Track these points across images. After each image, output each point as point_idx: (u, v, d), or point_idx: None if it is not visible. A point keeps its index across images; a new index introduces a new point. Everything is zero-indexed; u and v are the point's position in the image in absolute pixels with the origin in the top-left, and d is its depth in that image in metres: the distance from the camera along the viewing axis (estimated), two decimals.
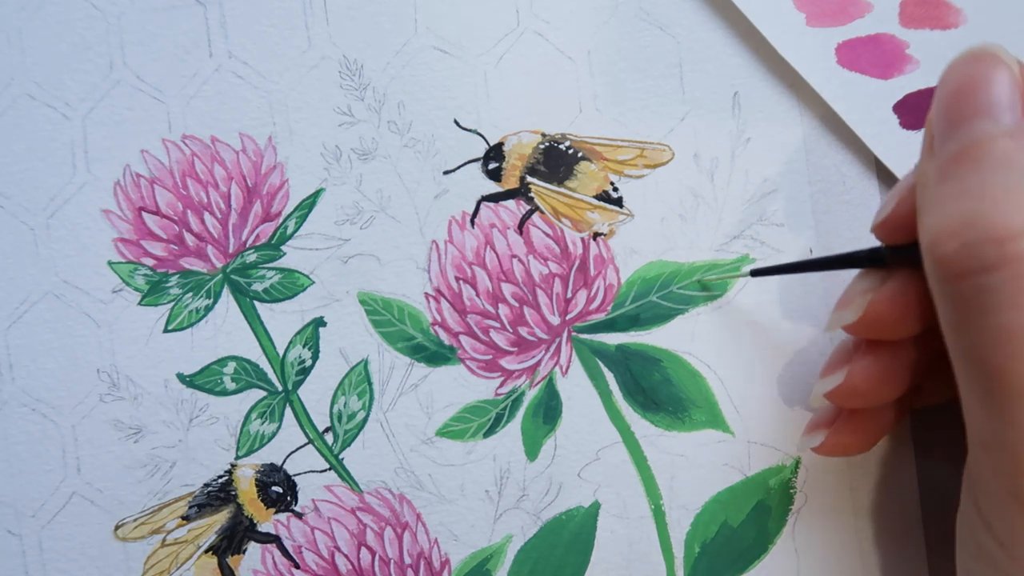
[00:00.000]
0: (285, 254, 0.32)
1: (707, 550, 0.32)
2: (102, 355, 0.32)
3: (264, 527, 0.32)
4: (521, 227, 0.32)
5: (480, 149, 0.32)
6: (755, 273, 0.31)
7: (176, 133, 0.32)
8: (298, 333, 0.32)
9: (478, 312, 0.32)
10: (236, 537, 0.32)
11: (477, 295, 0.32)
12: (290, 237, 0.32)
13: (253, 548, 0.32)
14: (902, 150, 0.31)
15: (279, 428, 0.32)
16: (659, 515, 0.32)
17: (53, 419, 0.32)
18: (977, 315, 0.22)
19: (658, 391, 0.32)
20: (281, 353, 0.32)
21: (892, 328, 0.26)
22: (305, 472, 0.32)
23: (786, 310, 0.32)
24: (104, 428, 0.32)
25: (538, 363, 0.32)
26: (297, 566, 0.32)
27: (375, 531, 0.32)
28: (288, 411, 0.32)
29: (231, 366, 0.32)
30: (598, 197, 0.32)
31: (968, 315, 0.22)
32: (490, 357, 0.32)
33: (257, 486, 0.32)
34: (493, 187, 0.32)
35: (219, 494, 0.32)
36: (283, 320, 0.32)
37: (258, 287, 0.32)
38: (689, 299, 0.32)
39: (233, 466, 0.32)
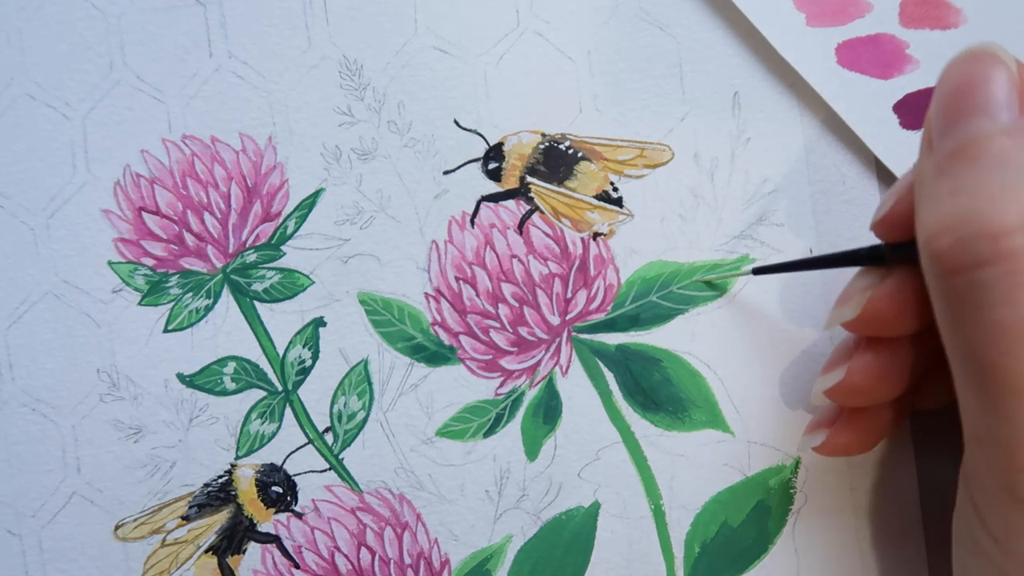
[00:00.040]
0: (285, 254, 0.32)
1: (707, 550, 0.32)
2: (102, 355, 0.32)
3: (264, 527, 0.32)
4: (521, 227, 0.32)
5: (480, 149, 0.32)
6: (757, 271, 0.31)
7: (176, 133, 0.32)
8: (298, 333, 0.32)
9: (478, 312, 0.32)
10: (236, 537, 0.32)
11: (477, 295, 0.32)
12: (290, 237, 0.32)
13: (253, 548, 0.32)
14: (902, 150, 0.31)
15: (279, 428, 0.32)
16: (659, 515, 0.32)
17: (53, 419, 0.32)
18: (971, 311, 0.22)
19: (658, 391, 0.32)
20: (281, 353, 0.32)
21: (891, 325, 0.26)
22: (305, 472, 0.32)
23: (786, 310, 0.32)
24: (104, 428, 0.32)
25: (538, 363, 0.32)
26: (297, 566, 0.32)
27: (375, 531, 0.32)
28: (288, 411, 0.32)
29: (231, 366, 0.32)
30: (598, 197, 0.32)
31: (962, 311, 0.22)
32: (490, 357, 0.32)
33: (257, 486, 0.32)
34: (493, 187, 0.32)
35: (219, 494, 0.32)
36: (283, 320, 0.32)
37: (258, 287, 0.32)
38: (689, 299, 0.32)
39: (233, 466, 0.32)
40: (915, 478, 0.31)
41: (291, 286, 0.32)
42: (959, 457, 0.25)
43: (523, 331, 0.32)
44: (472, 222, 0.32)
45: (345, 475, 0.32)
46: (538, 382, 0.32)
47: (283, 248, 0.32)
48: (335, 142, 0.32)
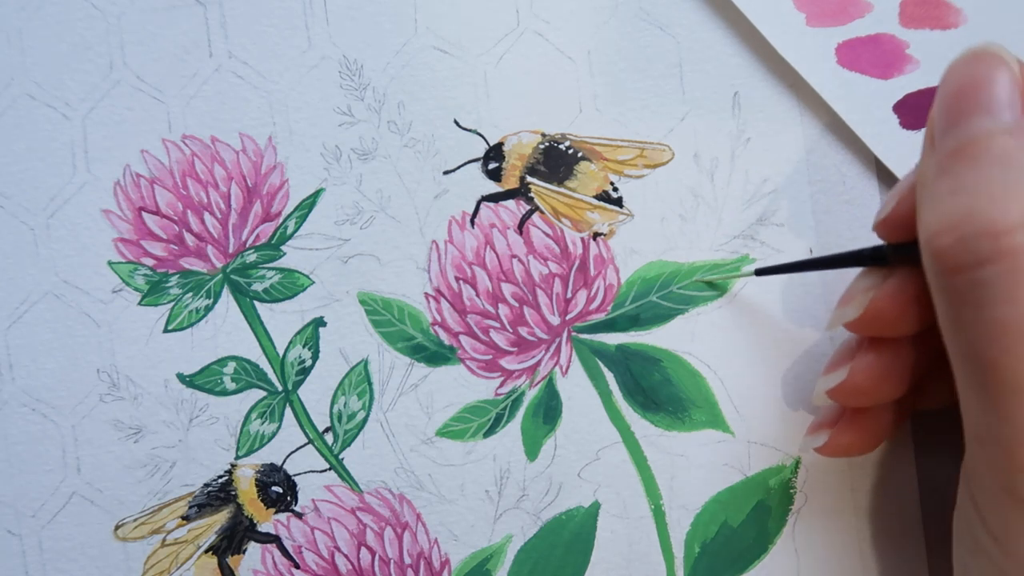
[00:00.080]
0: (285, 254, 0.32)
1: (707, 550, 0.32)
2: (102, 355, 0.32)
3: (264, 527, 0.32)
4: (521, 227, 0.32)
5: (480, 149, 0.32)
6: (759, 272, 0.31)
7: (176, 133, 0.32)
8: (298, 333, 0.32)
9: (478, 312, 0.32)
10: (236, 537, 0.32)
11: (477, 295, 0.32)
12: (290, 237, 0.32)
13: (253, 548, 0.32)
14: (902, 150, 0.31)
15: (279, 428, 0.32)
16: (659, 515, 0.32)
17: (53, 419, 0.32)
18: (972, 309, 0.22)
19: (658, 391, 0.32)
20: (281, 353, 0.32)
21: (893, 325, 0.26)
22: (305, 472, 0.32)
23: (786, 310, 0.32)
24: (104, 428, 0.32)
25: (538, 363, 0.32)
26: (297, 566, 0.32)
27: (375, 531, 0.32)
28: (288, 411, 0.32)
29: (231, 366, 0.32)
30: (598, 197, 0.32)
31: (963, 309, 0.22)
32: (490, 357, 0.32)
33: (257, 486, 0.32)
34: (493, 187, 0.32)
35: (219, 494, 0.32)
36: (283, 320, 0.32)
37: (258, 287, 0.32)
38: (689, 299, 0.32)
39: (233, 466, 0.32)
40: (915, 478, 0.31)
41: (291, 286, 0.32)
42: (959, 457, 0.25)
43: (523, 331, 0.32)
44: (472, 222, 0.32)
45: (345, 475, 0.32)
46: (538, 382, 0.32)
47: (283, 248, 0.32)
48: (335, 142, 0.32)
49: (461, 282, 0.32)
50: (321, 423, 0.32)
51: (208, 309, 0.32)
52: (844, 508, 0.32)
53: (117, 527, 0.32)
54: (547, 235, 0.32)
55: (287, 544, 0.32)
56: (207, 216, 0.32)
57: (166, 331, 0.32)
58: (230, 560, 0.32)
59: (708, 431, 0.32)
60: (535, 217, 0.32)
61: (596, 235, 0.32)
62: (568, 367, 0.32)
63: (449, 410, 0.32)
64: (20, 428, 0.32)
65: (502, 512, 0.32)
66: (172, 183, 0.32)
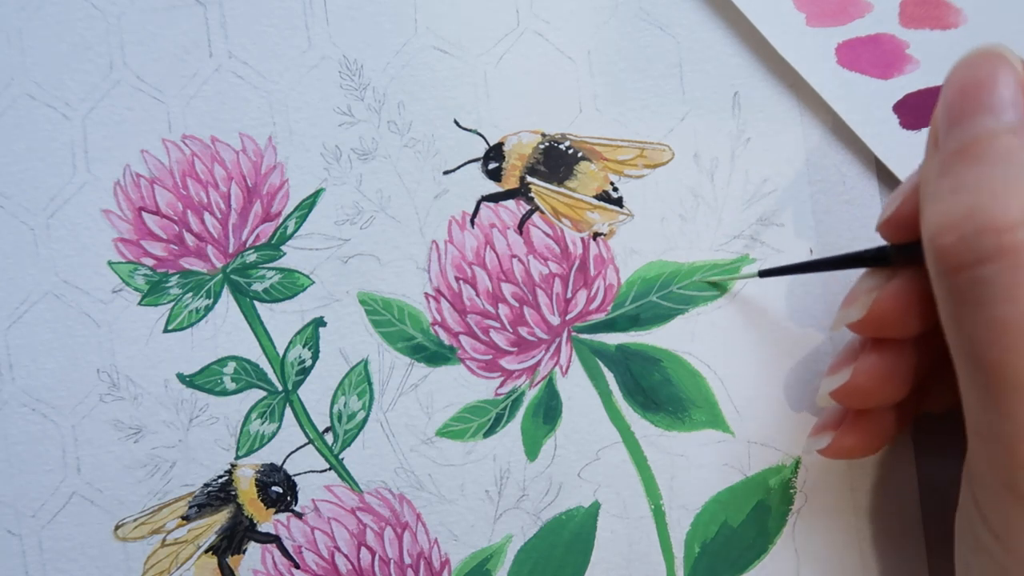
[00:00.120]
0: (285, 254, 0.32)
1: (707, 550, 0.32)
2: (102, 355, 0.32)
3: (264, 527, 0.32)
4: (521, 227, 0.32)
5: (480, 149, 0.32)
6: (763, 274, 0.30)
7: (176, 133, 0.32)
8: (298, 333, 0.32)
9: (478, 312, 0.32)
10: (236, 537, 0.32)
11: (477, 295, 0.32)
12: (290, 237, 0.32)
13: (253, 548, 0.32)
14: (902, 150, 0.31)
15: (279, 428, 0.32)
16: (659, 515, 0.32)
17: (53, 419, 0.32)
18: (974, 307, 0.22)
19: (658, 391, 0.32)
20: (281, 353, 0.32)
21: (896, 326, 0.26)
22: (305, 472, 0.32)
23: (786, 310, 0.32)
24: (104, 428, 0.32)
25: (538, 363, 0.32)
26: (297, 566, 0.32)
27: (375, 531, 0.32)
28: (288, 411, 0.32)
29: (231, 366, 0.32)
30: (598, 197, 0.32)
31: (965, 308, 0.22)
32: (490, 357, 0.32)
33: (257, 486, 0.32)
34: (493, 187, 0.32)
35: (219, 494, 0.32)
36: (283, 320, 0.32)
37: (258, 287, 0.32)
38: (689, 299, 0.32)
39: (233, 466, 0.32)
40: (915, 478, 0.31)
41: (291, 286, 0.32)
42: (960, 457, 0.25)
43: (523, 331, 0.32)
44: (472, 222, 0.32)
45: (345, 475, 0.32)
46: (538, 382, 0.32)
47: (283, 248, 0.32)
48: (335, 142, 0.32)
49: (461, 282, 0.32)
50: (321, 423, 0.32)
51: (208, 309, 0.32)
52: (844, 508, 0.32)
53: (117, 527, 0.32)
54: (547, 235, 0.32)
55: (287, 544, 0.32)
56: (207, 216, 0.32)
57: (166, 331, 0.32)
58: (230, 560, 0.32)
59: (708, 431, 0.32)
60: (535, 217, 0.32)
61: (596, 235, 0.32)
62: (568, 367, 0.32)
63: (449, 410, 0.32)
64: (20, 428, 0.32)
65: (502, 512, 0.32)
66: (172, 183, 0.32)
